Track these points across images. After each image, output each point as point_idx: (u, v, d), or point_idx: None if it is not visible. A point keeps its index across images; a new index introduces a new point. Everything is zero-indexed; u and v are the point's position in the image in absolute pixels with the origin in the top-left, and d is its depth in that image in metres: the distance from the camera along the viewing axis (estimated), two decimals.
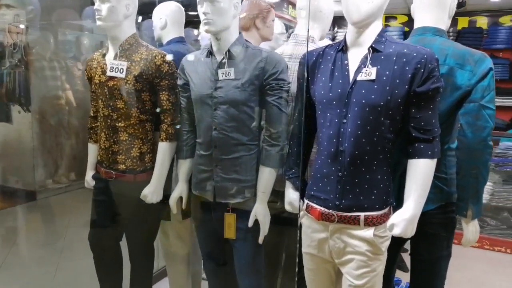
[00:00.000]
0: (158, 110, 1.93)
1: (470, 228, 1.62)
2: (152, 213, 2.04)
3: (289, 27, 5.03)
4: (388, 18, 5.19)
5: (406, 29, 5.01)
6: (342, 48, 1.46)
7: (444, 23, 1.61)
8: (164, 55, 1.88)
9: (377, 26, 1.41)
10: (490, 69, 1.49)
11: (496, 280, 3.23)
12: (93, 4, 1.85)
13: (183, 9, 2.36)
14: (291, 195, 1.67)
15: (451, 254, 1.68)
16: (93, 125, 2.13)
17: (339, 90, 1.42)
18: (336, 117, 1.43)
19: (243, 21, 2.18)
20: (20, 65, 4.27)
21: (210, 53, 1.72)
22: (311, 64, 1.55)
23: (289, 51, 1.86)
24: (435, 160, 1.39)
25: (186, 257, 2.41)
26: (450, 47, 1.53)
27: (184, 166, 1.91)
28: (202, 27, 1.64)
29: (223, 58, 1.67)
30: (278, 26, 3.21)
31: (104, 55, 1.94)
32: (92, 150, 2.16)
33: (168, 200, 1.95)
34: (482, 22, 4.71)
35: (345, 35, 1.48)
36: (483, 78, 1.48)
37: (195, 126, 1.90)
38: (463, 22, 4.77)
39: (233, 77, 1.65)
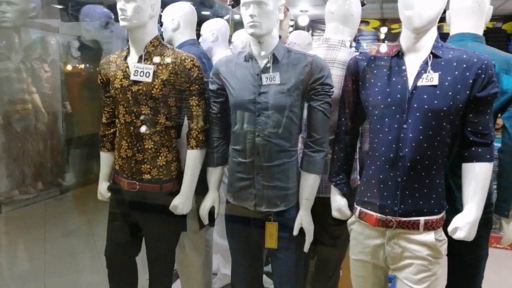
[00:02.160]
0: (186, 116, 1.84)
1: (511, 228, 1.68)
2: (175, 224, 1.95)
3: None
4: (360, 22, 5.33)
5: (379, 33, 5.18)
6: (398, 53, 1.46)
7: (481, 29, 1.66)
8: (194, 59, 1.79)
9: (434, 32, 1.43)
10: None
11: None
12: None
13: (195, 10, 2.28)
14: (339, 201, 1.65)
15: (488, 254, 1.73)
16: (106, 133, 1.99)
17: (398, 96, 1.42)
18: (396, 122, 1.42)
19: None
20: None
21: (250, 57, 1.66)
22: (361, 69, 1.54)
23: (321, 55, 1.83)
24: (492, 164, 1.43)
25: (201, 268, 2.32)
26: (494, 53, 1.58)
27: (215, 174, 1.84)
28: (248, 30, 1.57)
29: (267, 62, 1.61)
30: (242, 36, 3.16)
31: (125, 58, 1.81)
32: (106, 160, 2.01)
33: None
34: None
35: (399, 40, 1.48)
36: None
37: (226, 132, 1.83)
38: None
39: (278, 82, 1.60)
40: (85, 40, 2.68)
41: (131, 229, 1.93)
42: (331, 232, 1.89)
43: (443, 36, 1.51)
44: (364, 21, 5.44)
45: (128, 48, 1.82)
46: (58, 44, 4.81)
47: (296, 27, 5.49)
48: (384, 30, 5.15)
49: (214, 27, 2.61)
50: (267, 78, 1.60)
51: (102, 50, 2.67)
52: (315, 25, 5.32)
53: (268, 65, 1.61)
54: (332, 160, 1.68)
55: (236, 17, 5.54)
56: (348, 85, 1.60)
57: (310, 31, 5.46)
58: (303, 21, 6.31)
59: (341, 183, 1.65)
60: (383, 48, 1.55)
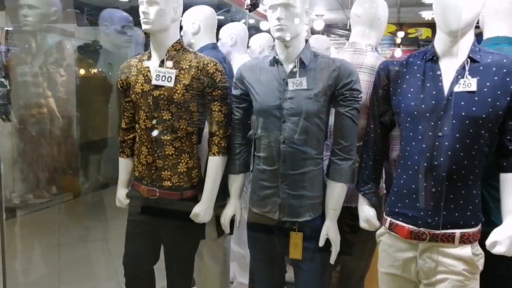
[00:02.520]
0: (207, 121, 1.80)
1: None
2: (195, 232, 1.90)
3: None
4: None
5: (396, 38, 5.10)
6: (432, 58, 1.40)
7: None
8: (217, 63, 1.75)
9: (471, 35, 1.36)
10: None
11: None
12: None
13: (215, 14, 2.24)
14: (368, 212, 1.59)
15: None
16: (125, 138, 1.95)
17: (433, 102, 1.36)
18: (430, 130, 1.36)
19: None
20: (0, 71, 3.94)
21: (276, 62, 1.61)
22: (393, 74, 1.48)
23: (347, 60, 1.77)
24: None
25: (219, 277, 2.27)
26: None
27: (236, 182, 1.79)
28: (274, 33, 1.52)
29: (294, 67, 1.56)
30: (264, 38, 3.11)
31: (147, 61, 1.77)
32: (125, 166, 1.98)
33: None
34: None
35: (432, 44, 1.42)
36: None
37: (248, 139, 1.78)
38: None
39: (305, 87, 1.54)
40: (104, 44, 2.64)
41: (150, 237, 1.88)
42: (357, 243, 1.83)
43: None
44: None
45: (150, 52, 1.79)
46: (73, 49, 4.83)
47: (312, 31, 5.43)
48: (400, 34, 5.03)
49: (233, 31, 2.57)
50: (294, 83, 1.55)
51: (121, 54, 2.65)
52: (330, 29, 5.26)
53: (294, 70, 1.56)
54: (360, 169, 1.61)
55: (251, 21, 5.50)
56: (378, 91, 1.54)
57: (325, 35, 5.41)
58: (319, 25, 6.26)
59: (370, 193, 1.59)
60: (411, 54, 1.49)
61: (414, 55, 1.47)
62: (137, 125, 1.84)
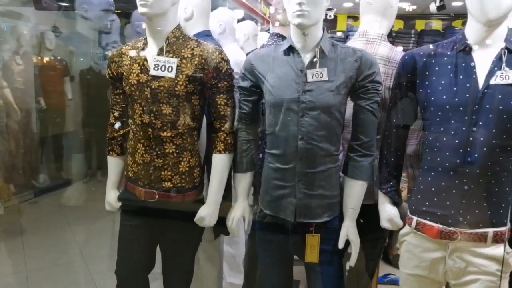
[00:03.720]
0: (212, 116, 1.64)
1: None
2: (196, 235, 1.75)
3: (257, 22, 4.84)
4: (348, 17, 5.25)
5: None
6: (465, 48, 1.32)
7: None
8: (222, 52, 1.59)
9: (505, 25, 1.30)
10: None
11: None
12: None
13: None
14: (390, 210, 1.51)
15: None
16: (115, 135, 1.76)
17: (467, 95, 1.28)
18: (464, 125, 1.29)
19: (283, 16, 1.97)
20: None
21: (291, 51, 1.48)
22: (420, 65, 1.39)
23: None
24: None
25: (216, 281, 2.13)
26: None
27: (244, 181, 1.65)
28: (294, 20, 1.39)
29: (314, 57, 1.44)
30: (250, 27, 3.00)
31: (142, 50, 1.58)
32: (115, 165, 1.78)
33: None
34: (437, 25, 4.98)
35: (463, 33, 1.34)
36: None
37: (256, 135, 1.65)
38: (421, 25, 5.00)
39: (326, 79, 1.43)
40: (81, 30, 2.39)
41: (147, 243, 1.72)
42: (366, 242, 1.75)
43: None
44: (353, 16, 5.34)
45: (145, 39, 1.60)
46: (31, 34, 4.45)
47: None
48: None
49: (221, 19, 2.40)
50: (313, 74, 1.43)
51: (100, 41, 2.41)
52: None
53: (314, 60, 1.44)
54: (380, 166, 1.53)
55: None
56: (402, 83, 1.45)
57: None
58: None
59: (392, 191, 1.51)
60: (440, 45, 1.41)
61: (442, 45, 1.39)
62: (130, 120, 1.65)
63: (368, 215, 1.60)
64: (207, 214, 1.61)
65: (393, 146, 1.50)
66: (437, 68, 1.36)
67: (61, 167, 4.97)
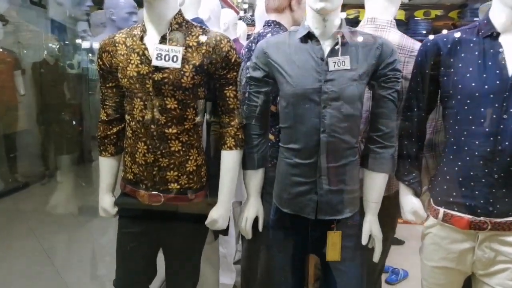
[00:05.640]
0: (220, 110, 1.52)
1: None
2: (203, 239, 1.63)
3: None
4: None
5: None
6: (492, 34, 1.29)
7: None
8: (230, 40, 1.47)
9: None
10: None
11: None
12: None
13: None
14: (414, 202, 1.46)
15: None
16: (108, 133, 1.59)
17: (498, 82, 1.25)
18: (494, 112, 1.26)
19: (278, 2, 1.87)
20: None
21: (309, 38, 1.38)
22: (445, 52, 1.34)
23: None
24: None
25: (217, 284, 2.02)
26: None
27: (255, 178, 1.55)
28: (316, 4, 1.29)
29: (336, 44, 1.35)
30: (230, 16, 2.90)
31: (141, 38, 1.42)
32: (108, 167, 1.61)
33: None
34: (400, 14, 5.04)
35: (487, 18, 1.31)
36: None
37: (266, 128, 1.55)
38: None
39: (349, 67, 1.35)
40: (55, 16, 2.14)
41: (149, 251, 1.57)
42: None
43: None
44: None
45: (143, 26, 1.44)
46: None
47: None
48: (342, 15, 5.03)
49: (207, 6, 2.26)
50: (336, 62, 1.34)
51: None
52: None
53: (336, 47, 1.35)
54: (401, 157, 1.48)
55: None
56: (424, 71, 1.40)
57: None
58: None
59: (415, 182, 1.46)
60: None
61: (465, 31, 1.35)
62: (128, 117, 1.49)
63: (381, 207, 1.55)
64: (219, 216, 1.49)
65: (414, 136, 1.46)
66: (463, 55, 1.32)
67: (15, 169, 4.58)
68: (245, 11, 5.36)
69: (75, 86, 4.04)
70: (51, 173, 4.46)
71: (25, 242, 3.28)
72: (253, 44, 1.91)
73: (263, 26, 1.97)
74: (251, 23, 4.17)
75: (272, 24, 1.90)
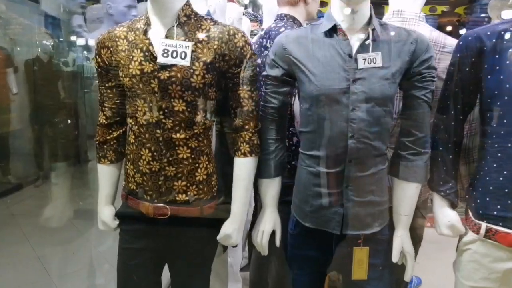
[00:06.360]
0: (232, 111, 1.36)
1: None
2: (213, 253, 1.48)
3: None
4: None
5: None
6: None
7: None
8: (244, 34, 1.31)
9: None
10: None
11: None
12: None
13: None
14: (450, 215, 1.31)
15: None
16: (107, 138, 1.43)
17: None
18: None
19: None
20: None
21: (335, 32, 1.23)
22: (489, 47, 1.20)
23: None
24: None
25: None
26: None
27: (272, 188, 1.40)
28: None
29: (366, 39, 1.20)
30: (235, 10, 2.75)
31: (145, 32, 1.26)
32: (108, 176, 1.45)
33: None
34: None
35: None
36: None
37: (283, 133, 1.40)
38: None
39: (380, 65, 1.20)
40: (48, 10, 1.98)
41: (154, 268, 1.42)
42: None
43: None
44: (323, 1, 5.14)
45: (147, 18, 1.28)
46: None
47: None
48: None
49: (213, 0, 2.12)
50: (365, 59, 1.19)
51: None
52: None
53: (367, 42, 1.20)
54: (435, 164, 1.33)
55: None
56: (464, 69, 1.25)
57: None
58: None
59: (452, 193, 1.32)
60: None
61: (509, 23, 1.21)
62: (130, 120, 1.33)
63: None
64: (233, 230, 1.34)
65: (451, 142, 1.31)
66: (511, 51, 1.17)
67: (8, 170, 4.41)
68: (245, 6, 5.19)
69: (70, 84, 3.86)
70: (45, 174, 4.30)
71: (18, 248, 3.12)
72: (264, 40, 1.76)
73: (275, 20, 1.82)
74: (253, 19, 4.02)
75: (285, 18, 1.75)
